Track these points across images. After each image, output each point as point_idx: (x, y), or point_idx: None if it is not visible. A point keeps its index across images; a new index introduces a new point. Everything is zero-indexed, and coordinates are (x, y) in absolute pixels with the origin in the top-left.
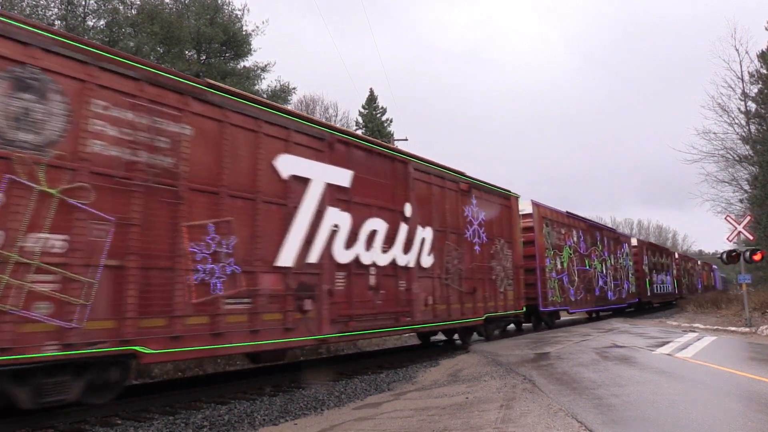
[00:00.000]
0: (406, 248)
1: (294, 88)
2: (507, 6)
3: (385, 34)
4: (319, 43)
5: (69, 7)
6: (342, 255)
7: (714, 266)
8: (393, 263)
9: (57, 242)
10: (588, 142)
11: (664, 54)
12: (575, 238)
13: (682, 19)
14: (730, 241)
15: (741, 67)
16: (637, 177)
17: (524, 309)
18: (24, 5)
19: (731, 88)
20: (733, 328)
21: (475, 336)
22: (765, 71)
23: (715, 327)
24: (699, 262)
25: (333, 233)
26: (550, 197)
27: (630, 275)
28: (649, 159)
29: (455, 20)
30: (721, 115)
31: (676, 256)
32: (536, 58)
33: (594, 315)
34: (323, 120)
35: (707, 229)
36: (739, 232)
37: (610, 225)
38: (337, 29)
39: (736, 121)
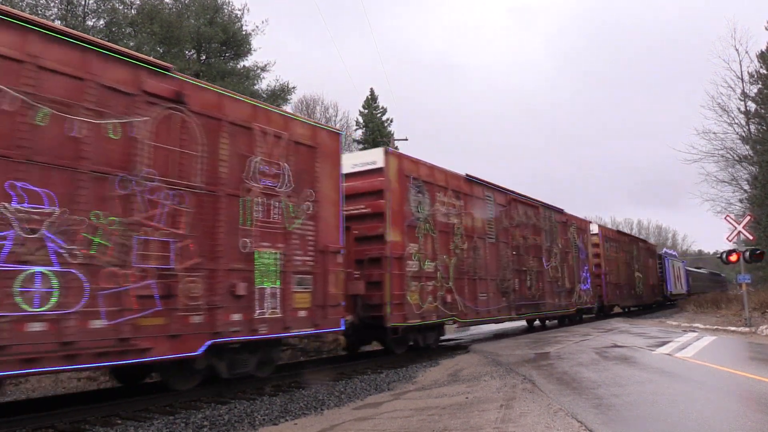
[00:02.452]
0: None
1: (293, 88)
2: (484, 12)
3: (365, 41)
4: (316, 45)
5: (69, 7)
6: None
7: (668, 251)
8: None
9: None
10: (586, 142)
11: (664, 54)
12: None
13: (681, 17)
14: (730, 241)
15: (741, 67)
16: (636, 177)
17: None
18: (24, 5)
19: (731, 88)
20: (732, 328)
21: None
22: (765, 71)
23: (715, 327)
24: (592, 227)
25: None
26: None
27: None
28: (649, 159)
29: (432, 27)
30: (720, 115)
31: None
32: (535, 58)
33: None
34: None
35: (707, 229)
36: (739, 232)
37: (610, 225)
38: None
39: (736, 121)
